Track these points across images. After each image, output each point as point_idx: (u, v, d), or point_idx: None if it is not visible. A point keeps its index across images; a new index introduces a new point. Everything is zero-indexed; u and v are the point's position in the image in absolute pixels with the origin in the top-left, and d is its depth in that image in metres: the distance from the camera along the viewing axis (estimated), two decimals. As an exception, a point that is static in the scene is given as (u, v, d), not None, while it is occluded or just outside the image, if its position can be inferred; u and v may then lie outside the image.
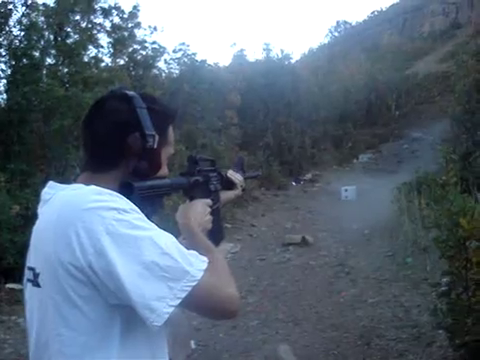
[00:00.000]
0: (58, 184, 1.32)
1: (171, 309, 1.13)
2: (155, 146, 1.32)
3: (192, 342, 5.33)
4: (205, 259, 1.24)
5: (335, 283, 7.41)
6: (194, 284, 1.16)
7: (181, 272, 1.16)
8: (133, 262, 1.11)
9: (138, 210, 1.20)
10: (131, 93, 1.34)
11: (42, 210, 1.30)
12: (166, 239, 1.19)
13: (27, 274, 1.29)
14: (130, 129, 1.30)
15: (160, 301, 1.12)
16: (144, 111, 1.31)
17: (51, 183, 1.34)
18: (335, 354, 5.01)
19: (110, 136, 1.30)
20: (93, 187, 1.21)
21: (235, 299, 1.30)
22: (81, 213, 1.13)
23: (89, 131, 1.34)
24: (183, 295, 1.15)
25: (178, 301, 1.14)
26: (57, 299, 1.16)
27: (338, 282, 7.44)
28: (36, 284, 1.23)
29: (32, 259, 1.27)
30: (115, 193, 1.20)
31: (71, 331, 1.16)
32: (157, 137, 1.33)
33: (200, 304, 1.21)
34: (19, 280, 6.81)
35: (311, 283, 7.55)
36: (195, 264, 1.20)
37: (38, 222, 1.28)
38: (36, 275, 1.23)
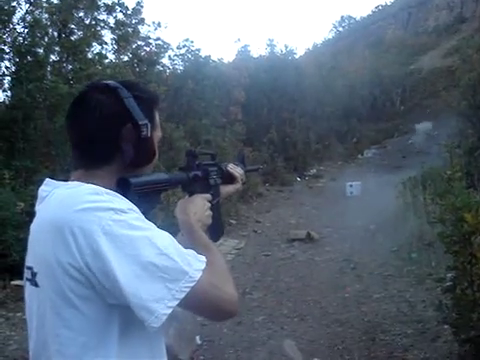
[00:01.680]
0: (55, 181, 1.28)
1: (169, 310, 1.11)
2: (149, 135, 1.29)
3: (197, 338, 5.35)
4: (203, 259, 1.22)
5: (340, 279, 7.41)
6: (192, 285, 1.14)
7: (179, 273, 1.13)
8: (130, 263, 1.09)
9: (136, 209, 1.17)
10: (113, 84, 1.30)
11: (39, 208, 1.27)
12: (164, 239, 1.16)
13: (26, 273, 1.27)
14: (121, 121, 1.26)
15: (158, 302, 1.10)
16: (131, 100, 1.28)
17: (48, 180, 1.31)
18: (340, 349, 5.01)
19: (101, 131, 1.26)
20: (91, 186, 1.18)
21: (234, 299, 1.25)
22: (77, 213, 1.10)
23: (77, 128, 1.30)
24: (181, 296, 1.13)
25: (176, 302, 1.12)
26: (55, 299, 1.14)
27: (343, 278, 7.44)
28: (34, 283, 1.22)
29: (30, 258, 1.26)
30: (113, 192, 1.17)
31: (70, 331, 1.14)
32: (149, 125, 1.30)
33: (198, 304, 1.20)
34: (24, 277, 6.85)
35: (316, 279, 7.56)
36: (193, 264, 1.17)
37: (35, 220, 1.26)
38: (34, 274, 1.21)
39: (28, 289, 1.27)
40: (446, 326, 4.50)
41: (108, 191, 1.17)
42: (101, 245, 1.08)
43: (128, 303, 1.10)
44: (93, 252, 1.08)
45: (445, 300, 4.17)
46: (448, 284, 4.14)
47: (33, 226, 1.25)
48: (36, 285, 1.21)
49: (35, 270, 1.21)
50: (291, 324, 5.84)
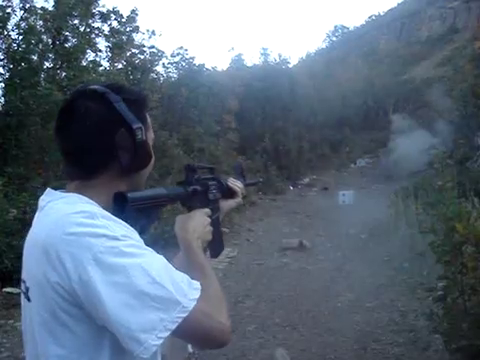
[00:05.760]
0: (55, 192, 1.25)
1: (160, 341, 1.08)
2: (144, 137, 1.25)
3: (189, 346, 5.32)
4: (198, 286, 1.18)
5: (332, 287, 7.42)
6: (185, 315, 1.10)
7: (172, 303, 1.09)
8: (121, 292, 1.05)
9: (132, 235, 1.14)
10: (101, 89, 1.24)
11: (36, 219, 1.24)
12: (158, 266, 1.12)
13: (21, 285, 1.24)
14: (114, 127, 1.21)
15: (148, 333, 1.06)
16: (122, 105, 1.22)
17: (49, 190, 1.27)
18: (332, 358, 5.01)
19: (94, 140, 1.21)
20: (87, 207, 1.14)
21: (226, 329, 1.23)
22: (68, 237, 1.07)
23: (69, 138, 1.24)
24: (173, 327, 1.09)
25: (167, 333, 1.08)
26: (45, 316, 1.12)
27: (335, 286, 7.45)
28: (27, 298, 1.20)
29: (23, 271, 1.23)
30: (109, 216, 1.14)
31: (60, 348, 1.12)
32: (143, 127, 1.25)
33: (189, 334, 1.16)
34: (16, 284, 6.82)
35: (308, 288, 7.56)
36: (188, 293, 1.13)
37: (30, 232, 1.23)
38: (27, 289, 1.19)
39: (23, 302, 1.25)
40: (437, 335, 4.51)
41: (104, 214, 1.13)
42: (90, 274, 1.04)
43: (115, 332, 1.07)
44: (81, 280, 1.05)
45: (436, 309, 4.19)
46: (439, 293, 4.16)
47: (28, 238, 1.23)
48: (28, 300, 1.19)
49: (27, 285, 1.19)
50: (283, 333, 5.83)
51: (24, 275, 1.22)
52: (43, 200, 1.25)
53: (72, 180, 1.26)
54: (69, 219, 1.10)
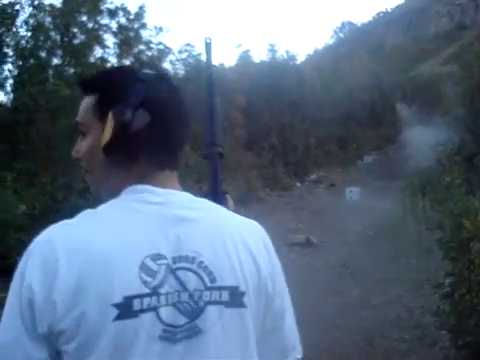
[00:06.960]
0: (179, 192, 1.09)
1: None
2: None
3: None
4: None
5: (339, 284, 7.42)
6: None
7: (297, 345, 1.25)
8: (291, 312, 1.20)
9: None
10: None
11: (198, 216, 1.03)
12: None
13: (214, 295, 1.02)
14: None
15: (296, 348, 1.23)
16: None
17: (150, 187, 1.04)
18: (338, 354, 5.03)
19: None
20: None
21: None
22: (273, 252, 1.17)
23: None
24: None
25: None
26: (251, 325, 1.06)
27: (342, 283, 7.46)
28: (239, 304, 1.04)
29: (230, 276, 1.04)
30: None
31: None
32: None
33: None
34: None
35: (315, 284, 7.57)
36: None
37: (195, 230, 1.01)
38: (241, 294, 1.04)
39: (218, 312, 1.02)
40: (444, 331, 4.52)
41: None
42: (284, 286, 1.16)
43: (276, 343, 1.17)
44: (277, 292, 1.12)
45: (443, 306, 4.19)
46: (446, 290, 4.17)
47: (216, 236, 1.05)
48: (242, 306, 1.04)
49: (242, 289, 1.04)
50: (290, 329, 5.84)
51: (232, 281, 1.05)
52: (160, 195, 1.04)
53: (162, 170, 1.10)
54: (264, 233, 1.21)
